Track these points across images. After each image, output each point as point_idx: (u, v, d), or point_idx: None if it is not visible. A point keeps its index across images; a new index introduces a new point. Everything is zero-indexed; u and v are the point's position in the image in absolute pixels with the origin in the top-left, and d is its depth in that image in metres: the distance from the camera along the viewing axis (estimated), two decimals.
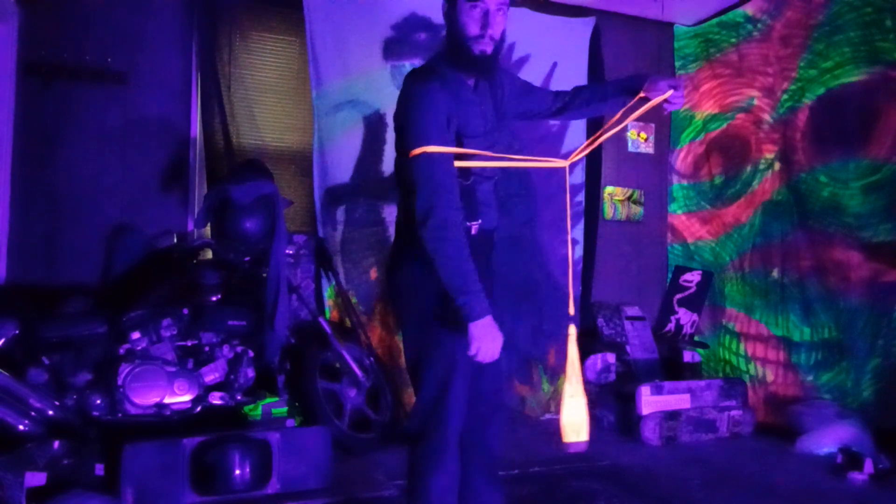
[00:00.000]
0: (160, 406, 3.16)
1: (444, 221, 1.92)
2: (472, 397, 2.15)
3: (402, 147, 2.07)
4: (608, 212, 4.95)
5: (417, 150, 1.96)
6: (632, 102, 2.16)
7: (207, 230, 3.58)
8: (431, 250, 1.94)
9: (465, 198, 2.07)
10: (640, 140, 5.08)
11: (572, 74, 4.62)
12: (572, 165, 2.20)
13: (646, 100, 2.14)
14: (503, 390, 2.35)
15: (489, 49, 2.01)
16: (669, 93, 2.08)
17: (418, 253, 2.03)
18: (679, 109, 2.15)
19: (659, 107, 2.15)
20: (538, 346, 4.50)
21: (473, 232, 2.11)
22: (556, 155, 4.59)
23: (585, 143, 2.14)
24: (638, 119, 4.91)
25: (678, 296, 4.71)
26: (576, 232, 4.70)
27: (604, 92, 2.29)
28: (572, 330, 2.03)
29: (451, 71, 2.07)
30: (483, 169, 2.11)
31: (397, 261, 2.17)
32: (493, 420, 2.24)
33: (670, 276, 4.90)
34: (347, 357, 3.59)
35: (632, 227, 5.05)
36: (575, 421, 1.98)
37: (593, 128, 4.71)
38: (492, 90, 2.17)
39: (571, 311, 2.08)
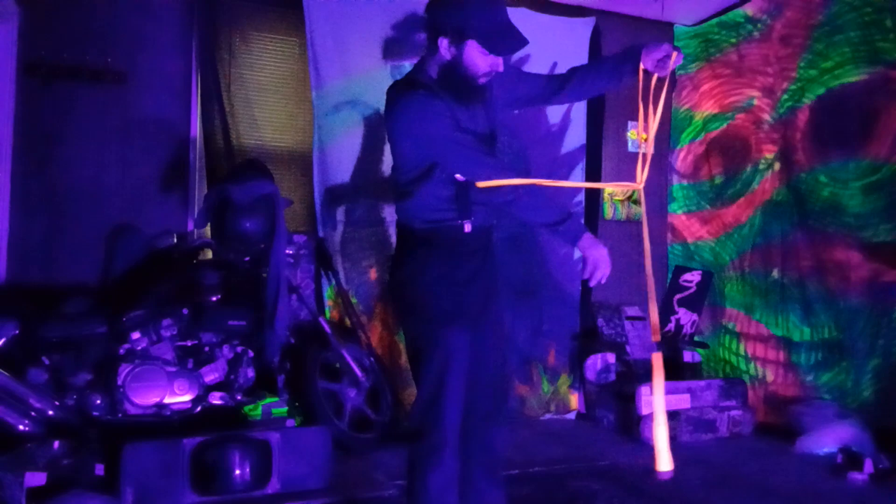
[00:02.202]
0: (160, 406, 3.17)
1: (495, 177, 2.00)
2: (476, 396, 2.17)
3: (396, 160, 2.14)
4: (608, 212, 4.95)
5: (483, 184, 2.00)
6: (641, 84, 2.08)
7: (207, 230, 3.58)
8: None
9: (459, 198, 2.10)
10: (640, 140, 5.07)
11: None
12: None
13: (648, 73, 2.08)
14: (507, 390, 2.36)
15: (490, 78, 2.06)
16: (674, 55, 2.02)
17: (416, 252, 2.11)
18: (672, 70, 2.09)
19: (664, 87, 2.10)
20: (538, 346, 4.50)
21: (467, 230, 2.13)
22: (557, 153, 4.59)
23: (639, 156, 2.10)
24: (636, 118, 4.91)
25: (678, 296, 4.70)
26: None
27: (598, 69, 2.25)
28: (657, 360, 1.97)
29: (439, 89, 2.07)
30: None
31: (397, 259, 2.21)
32: (497, 419, 2.25)
33: (670, 276, 4.90)
34: (347, 357, 3.59)
35: (632, 227, 5.04)
36: (663, 448, 1.95)
37: (593, 124, 4.71)
38: (481, 97, 2.17)
39: (657, 336, 2.00)
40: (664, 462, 1.93)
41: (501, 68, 2.05)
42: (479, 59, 2.00)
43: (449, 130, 2.00)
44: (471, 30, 1.95)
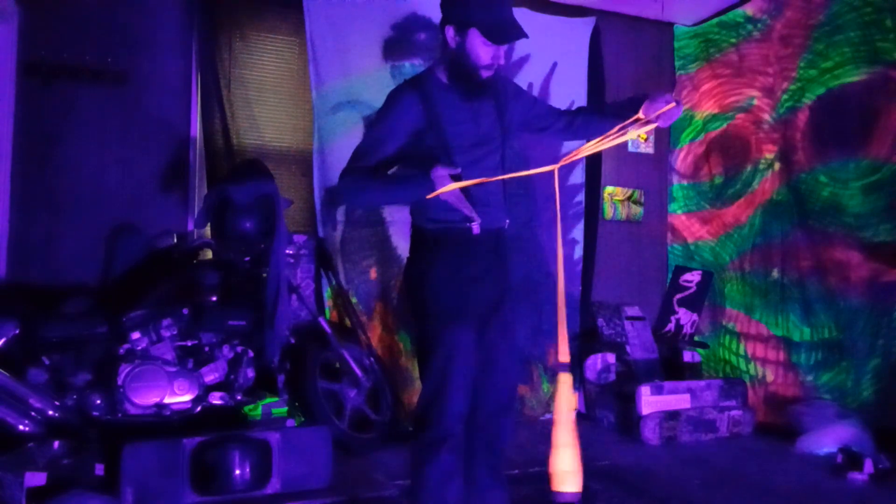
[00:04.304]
0: (160, 406, 3.16)
1: (343, 188, 2.19)
2: (483, 395, 2.20)
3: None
4: (608, 212, 4.95)
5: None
6: (628, 122, 2.15)
7: (207, 230, 3.58)
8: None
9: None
10: (640, 140, 5.08)
11: (572, 74, 4.62)
12: (564, 168, 2.23)
13: (639, 120, 2.14)
14: (514, 390, 2.39)
15: (493, 72, 2.15)
16: (672, 105, 2.07)
17: (426, 251, 2.19)
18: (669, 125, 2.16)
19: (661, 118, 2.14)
20: (538, 346, 4.50)
21: (475, 231, 2.18)
22: (556, 152, 4.59)
23: (574, 151, 2.16)
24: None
25: (678, 296, 4.71)
26: (576, 232, 4.69)
27: (602, 114, 2.34)
28: (565, 378, 1.84)
29: (446, 84, 2.16)
30: (481, 172, 2.17)
31: (409, 258, 2.29)
32: (502, 419, 2.27)
33: (670, 276, 4.90)
34: (347, 357, 3.59)
35: (632, 227, 5.05)
36: (567, 470, 1.82)
37: None
38: (495, 98, 2.24)
39: (565, 356, 1.84)
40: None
41: (503, 61, 2.14)
42: (480, 50, 2.09)
43: (381, 130, 2.15)
44: (473, 19, 2.06)
